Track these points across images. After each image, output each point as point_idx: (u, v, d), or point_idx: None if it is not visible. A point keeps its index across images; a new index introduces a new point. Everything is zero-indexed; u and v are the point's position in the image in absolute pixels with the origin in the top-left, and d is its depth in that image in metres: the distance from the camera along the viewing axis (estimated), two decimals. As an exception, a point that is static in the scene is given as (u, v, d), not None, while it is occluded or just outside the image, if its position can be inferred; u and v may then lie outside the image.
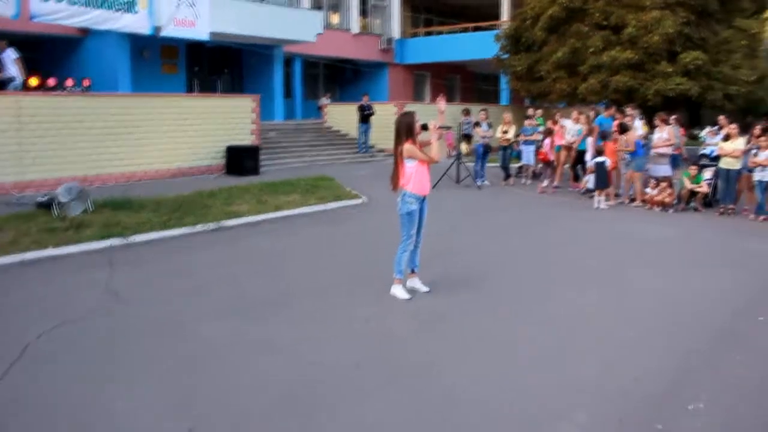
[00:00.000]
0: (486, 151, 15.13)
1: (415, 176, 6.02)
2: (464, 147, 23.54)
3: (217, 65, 22.02)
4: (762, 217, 11.10)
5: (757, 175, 11.12)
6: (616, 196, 13.00)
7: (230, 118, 15.28)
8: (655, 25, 18.97)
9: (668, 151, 12.74)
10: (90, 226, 8.64)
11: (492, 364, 4.75)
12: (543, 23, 21.27)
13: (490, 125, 15.53)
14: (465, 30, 29.31)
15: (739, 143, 11.37)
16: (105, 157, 13.20)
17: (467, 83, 33.64)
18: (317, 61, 27.01)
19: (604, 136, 13.21)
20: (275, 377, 4.47)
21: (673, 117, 13.21)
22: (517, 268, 7.57)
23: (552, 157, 14.75)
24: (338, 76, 28.54)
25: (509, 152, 15.29)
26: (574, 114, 14.61)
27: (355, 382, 4.42)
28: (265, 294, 6.34)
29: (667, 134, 12.74)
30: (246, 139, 15.53)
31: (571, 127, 14.25)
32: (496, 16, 27.78)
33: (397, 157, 6.03)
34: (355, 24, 26.97)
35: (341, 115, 21.70)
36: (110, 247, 8.00)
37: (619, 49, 19.82)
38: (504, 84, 28.55)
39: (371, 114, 19.76)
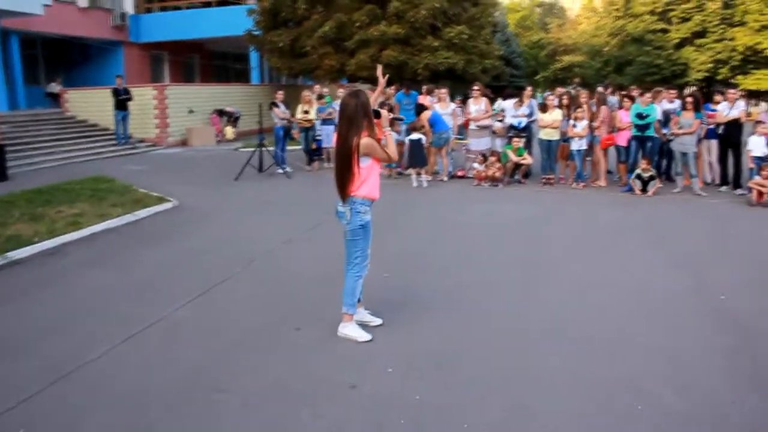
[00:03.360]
0: (286, 133, 13.68)
1: (369, 178, 4.49)
2: (229, 131, 21.63)
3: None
4: (582, 184, 11.44)
5: (575, 145, 11.39)
6: (435, 173, 12.54)
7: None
8: (421, -1, 18.95)
9: (488, 123, 12.53)
10: None
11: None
12: (305, -4, 20.10)
13: (287, 106, 14.02)
14: (207, 5, 26.89)
15: (556, 114, 11.50)
16: None
17: (206, 62, 31.11)
18: (35, 39, 22.61)
19: None
20: None
21: (476, 88, 12.98)
22: (433, 274, 6.39)
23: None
24: (63, 57, 24.22)
25: (312, 134, 13.87)
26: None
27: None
28: (172, 371, 4.25)
29: (484, 106, 12.52)
30: (-18, 137, 11.94)
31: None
32: (243, -10, 25.85)
33: (351, 154, 4.36)
34: (81, -4, 23.01)
35: (85, 103, 18.26)
36: None
37: (386, 23, 19.51)
38: (255, 62, 26.87)
39: (128, 99, 16.86)
